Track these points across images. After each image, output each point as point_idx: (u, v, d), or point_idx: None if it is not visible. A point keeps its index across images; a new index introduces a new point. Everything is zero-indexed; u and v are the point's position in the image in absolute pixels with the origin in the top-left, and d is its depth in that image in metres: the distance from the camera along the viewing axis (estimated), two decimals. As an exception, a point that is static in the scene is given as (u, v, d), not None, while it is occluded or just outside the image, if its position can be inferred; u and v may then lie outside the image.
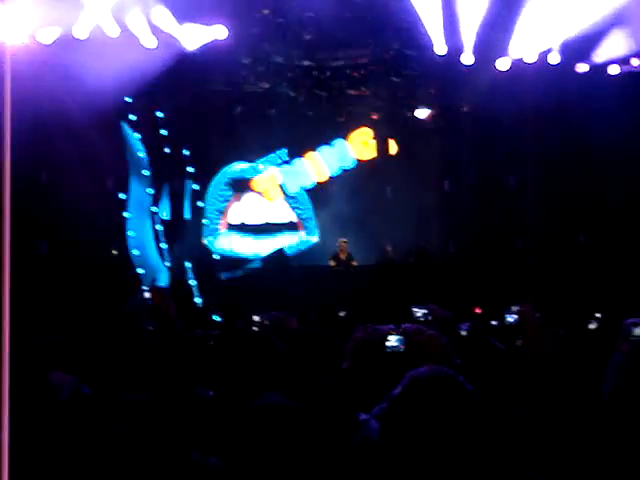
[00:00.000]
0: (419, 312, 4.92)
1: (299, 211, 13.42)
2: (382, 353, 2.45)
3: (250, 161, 13.29)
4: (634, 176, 11.09)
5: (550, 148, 11.25)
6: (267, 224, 13.31)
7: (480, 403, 1.83)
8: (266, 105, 12.45)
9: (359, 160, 13.08)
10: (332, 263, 11.70)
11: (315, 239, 13.33)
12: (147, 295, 9.93)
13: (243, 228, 13.30)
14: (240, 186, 13.33)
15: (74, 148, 10.33)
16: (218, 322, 10.65)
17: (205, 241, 13.05)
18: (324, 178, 13.13)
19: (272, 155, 13.16)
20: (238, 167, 13.32)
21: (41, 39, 10.22)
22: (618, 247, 11.23)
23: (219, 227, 13.29)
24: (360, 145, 13.06)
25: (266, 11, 11.05)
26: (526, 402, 2.39)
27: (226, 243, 13.15)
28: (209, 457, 2.19)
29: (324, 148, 13.10)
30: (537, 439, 2.29)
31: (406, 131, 12.89)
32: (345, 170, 13.09)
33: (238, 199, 13.38)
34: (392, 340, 2.47)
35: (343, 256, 11.73)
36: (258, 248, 13.05)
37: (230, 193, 13.34)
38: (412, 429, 1.79)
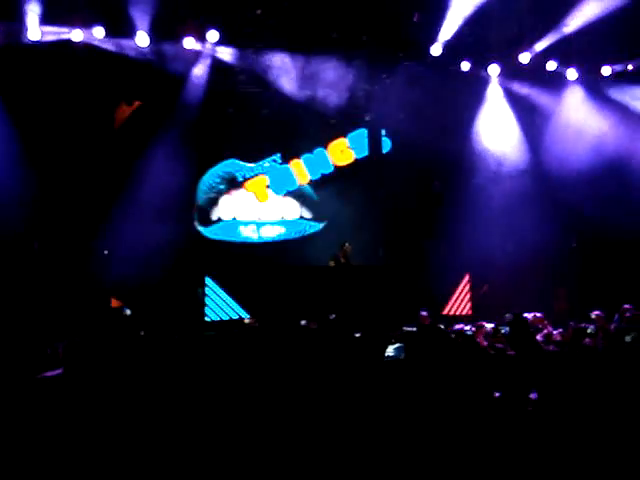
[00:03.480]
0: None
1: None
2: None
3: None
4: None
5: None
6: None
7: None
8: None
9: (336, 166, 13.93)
10: (332, 264, 11.66)
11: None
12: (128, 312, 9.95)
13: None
14: (233, 182, 13.69)
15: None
16: (215, 322, 10.63)
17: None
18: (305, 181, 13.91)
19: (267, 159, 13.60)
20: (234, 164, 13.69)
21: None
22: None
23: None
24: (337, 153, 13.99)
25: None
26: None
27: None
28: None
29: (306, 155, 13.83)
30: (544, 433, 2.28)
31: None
32: (324, 174, 13.89)
33: (229, 194, 13.72)
34: (391, 349, 2.39)
35: (343, 260, 11.71)
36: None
37: (223, 187, 13.64)
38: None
